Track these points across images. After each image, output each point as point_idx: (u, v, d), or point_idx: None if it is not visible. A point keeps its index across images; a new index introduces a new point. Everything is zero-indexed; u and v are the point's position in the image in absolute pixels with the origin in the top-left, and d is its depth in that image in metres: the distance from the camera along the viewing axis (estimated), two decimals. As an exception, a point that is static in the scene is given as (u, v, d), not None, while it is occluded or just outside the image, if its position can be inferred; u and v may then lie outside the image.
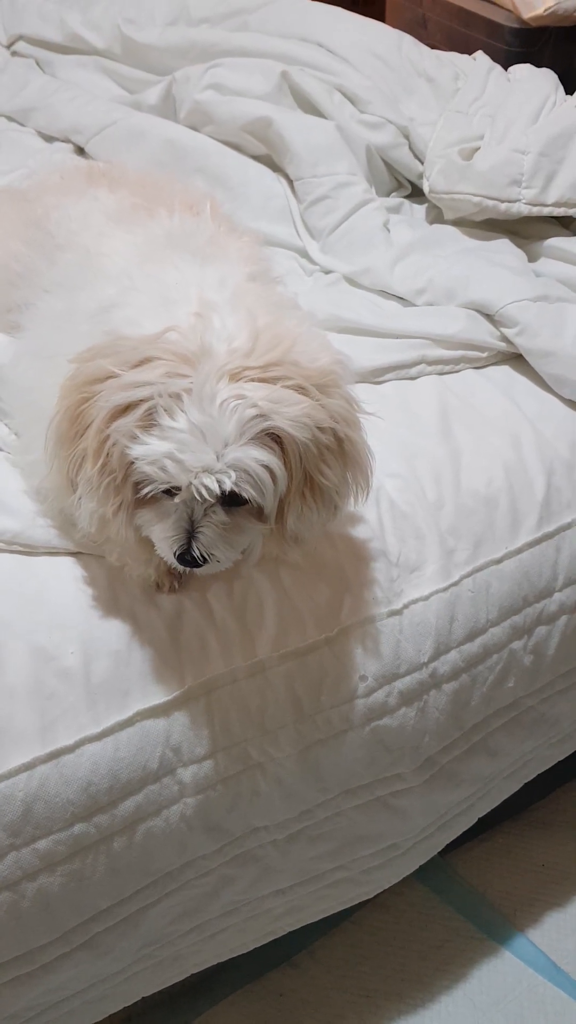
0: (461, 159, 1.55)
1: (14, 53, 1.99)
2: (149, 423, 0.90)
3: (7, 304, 1.22)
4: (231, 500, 0.95)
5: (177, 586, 1.09)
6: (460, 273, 1.45)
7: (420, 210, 1.70)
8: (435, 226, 1.60)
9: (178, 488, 0.92)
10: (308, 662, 1.13)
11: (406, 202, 1.69)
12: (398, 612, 1.19)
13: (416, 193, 1.74)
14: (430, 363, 1.38)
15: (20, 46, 1.98)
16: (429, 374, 1.39)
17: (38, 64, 1.93)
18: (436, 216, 1.67)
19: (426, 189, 1.62)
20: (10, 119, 1.85)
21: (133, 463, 0.92)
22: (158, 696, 1.06)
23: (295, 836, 1.21)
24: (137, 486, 0.94)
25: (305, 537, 1.03)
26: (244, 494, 0.93)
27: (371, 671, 1.16)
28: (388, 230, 1.56)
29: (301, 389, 0.94)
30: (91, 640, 1.04)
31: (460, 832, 1.46)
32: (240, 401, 0.90)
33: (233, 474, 0.90)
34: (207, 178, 1.61)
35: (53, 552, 1.09)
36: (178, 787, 1.07)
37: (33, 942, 1.04)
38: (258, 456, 0.91)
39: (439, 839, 1.42)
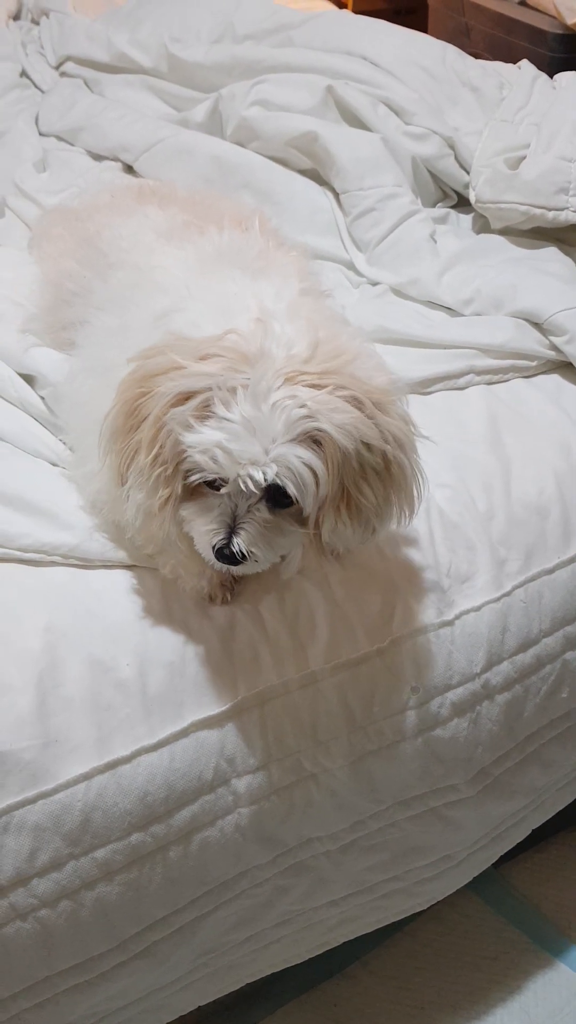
0: (508, 168, 1.55)
1: (62, 74, 2.03)
2: (205, 414, 0.92)
3: (61, 322, 1.24)
4: (274, 500, 0.96)
5: (230, 598, 1.10)
6: (508, 282, 1.45)
7: (466, 219, 1.71)
8: (482, 236, 1.60)
9: (224, 481, 0.93)
10: (360, 673, 1.13)
11: (452, 212, 1.69)
12: (450, 623, 1.19)
13: (462, 203, 1.74)
14: (479, 373, 1.38)
15: (68, 67, 2.02)
16: (477, 384, 1.39)
17: (86, 84, 1.97)
18: (483, 225, 1.67)
19: (472, 199, 1.62)
20: (60, 139, 1.89)
21: (184, 455, 0.93)
22: (212, 707, 1.06)
23: (348, 847, 1.21)
24: (186, 477, 0.95)
25: (342, 552, 1.03)
26: (287, 488, 0.93)
27: (423, 682, 1.16)
28: (435, 241, 1.56)
29: (356, 401, 0.95)
30: (146, 652, 1.06)
31: (514, 844, 1.44)
32: (291, 400, 0.92)
33: (276, 468, 0.91)
34: (253, 193, 1.62)
35: (108, 565, 1.11)
36: (232, 797, 1.08)
37: (92, 950, 1.05)
38: (301, 455, 0.92)
39: (493, 851, 1.41)
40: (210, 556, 0.97)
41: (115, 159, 1.78)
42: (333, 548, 1.02)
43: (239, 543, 0.95)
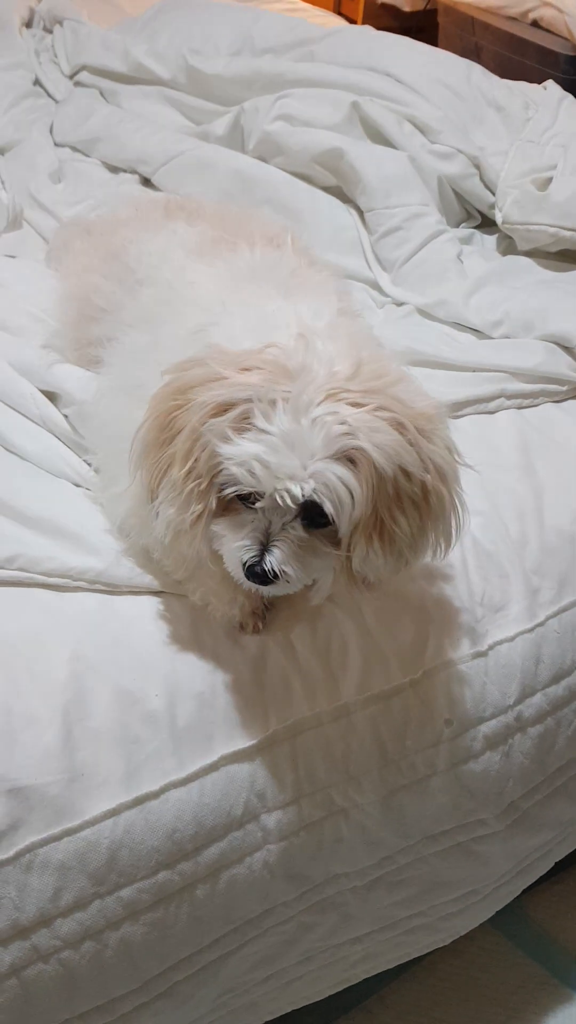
0: (536, 190, 1.52)
1: (77, 83, 2.00)
2: (243, 426, 0.89)
3: (87, 338, 1.21)
4: (309, 519, 0.92)
5: (261, 627, 1.07)
6: (538, 305, 1.43)
7: (490, 240, 1.68)
8: (509, 257, 1.58)
9: (260, 495, 0.90)
10: (393, 705, 1.10)
11: (477, 232, 1.67)
12: (483, 654, 1.16)
13: (485, 223, 1.72)
14: (509, 397, 1.36)
15: (83, 76, 1.99)
16: (508, 408, 1.36)
17: (102, 94, 1.94)
18: (508, 247, 1.65)
19: (499, 220, 1.60)
20: (75, 149, 1.86)
21: (219, 468, 0.90)
22: (243, 740, 1.03)
23: (375, 883, 1.17)
24: (220, 491, 0.92)
25: (373, 581, 1.00)
26: (324, 506, 0.90)
27: (456, 715, 1.13)
28: (461, 261, 1.54)
29: (399, 425, 0.92)
30: (175, 682, 1.02)
31: (537, 876, 1.42)
32: (332, 417, 0.89)
33: (314, 484, 0.88)
34: (276, 209, 1.60)
35: (136, 591, 1.08)
36: (262, 833, 1.05)
37: (114, 991, 1.01)
38: (340, 472, 0.89)
39: (517, 884, 1.38)
40: (240, 575, 0.94)
41: (132, 171, 1.76)
42: (364, 577, 0.99)
43: (272, 560, 0.92)
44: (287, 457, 0.88)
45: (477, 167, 1.66)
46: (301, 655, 1.07)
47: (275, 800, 1.04)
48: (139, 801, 0.98)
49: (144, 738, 0.99)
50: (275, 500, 0.89)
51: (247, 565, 0.92)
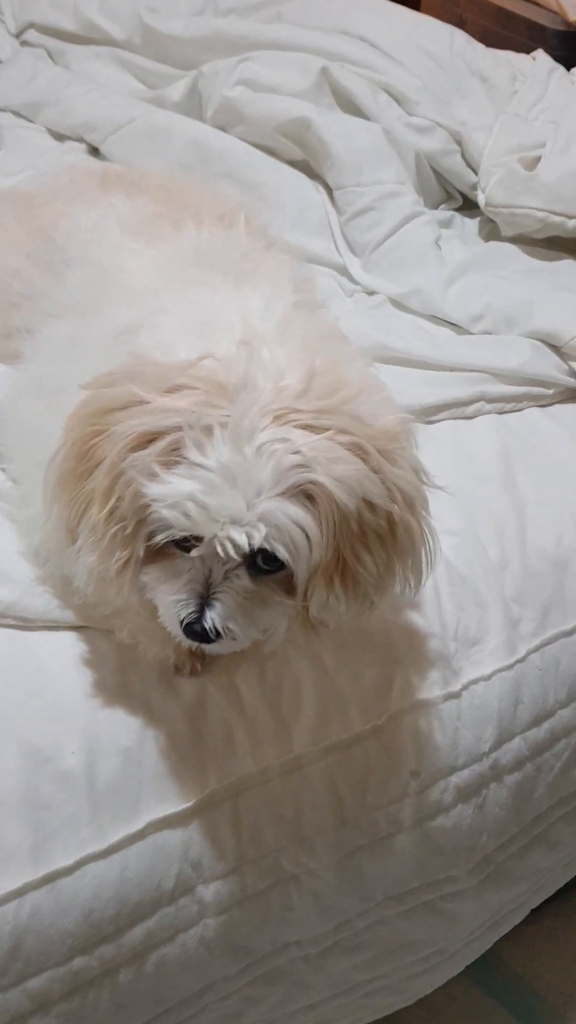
0: (523, 169, 1.38)
1: (23, 43, 1.82)
2: (173, 459, 0.76)
3: (6, 329, 1.05)
4: (257, 564, 0.80)
5: (200, 668, 0.93)
6: (523, 298, 1.29)
7: (472, 224, 1.54)
8: (492, 243, 1.44)
9: (198, 540, 0.77)
10: (352, 756, 0.97)
11: (457, 215, 1.53)
12: (456, 695, 1.03)
13: (467, 205, 1.57)
14: (490, 400, 1.22)
15: (30, 35, 1.81)
16: (488, 412, 1.23)
17: (49, 55, 1.77)
18: (490, 232, 1.50)
19: (482, 202, 1.45)
20: (17, 114, 1.69)
21: (148, 509, 0.77)
22: (176, 803, 0.89)
23: (330, 949, 1.05)
24: (148, 537, 0.79)
25: (331, 627, 0.88)
26: (278, 554, 0.77)
27: (425, 765, 1.00)
28: (439, 247, 1.39)
29: (359, 450, 0.79)
30: (96, 735, 0.88)
31: (510, 928, 1.29)
32: (281, 445, 0.76)
33: (264, 528, 0.75)
34: (236, 184, 1.44)
35: (53, 626, 0.93)
36: (197, 907, 0.91)
37: None
38: (293, 513, 0.76)
39: (488, 938, 1.26)
40: (178, 631, 0.81)
41: (79, 139, 1.59)
42: (322, 622, 0.85)
43: (213, 618, 0.79)
44: (228, 496, 0.75)
45: (458, 143, 1.52)
46: (247, 701, 0.94)
47: (213, 870, 0.91)
48: (49, 879, 0.83)
49: (56, 803, 0.85)
50: (215, 547, 0.76)
51: (184, 623, 0.79)
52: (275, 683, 0.95)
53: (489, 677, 1.04)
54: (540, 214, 1.36)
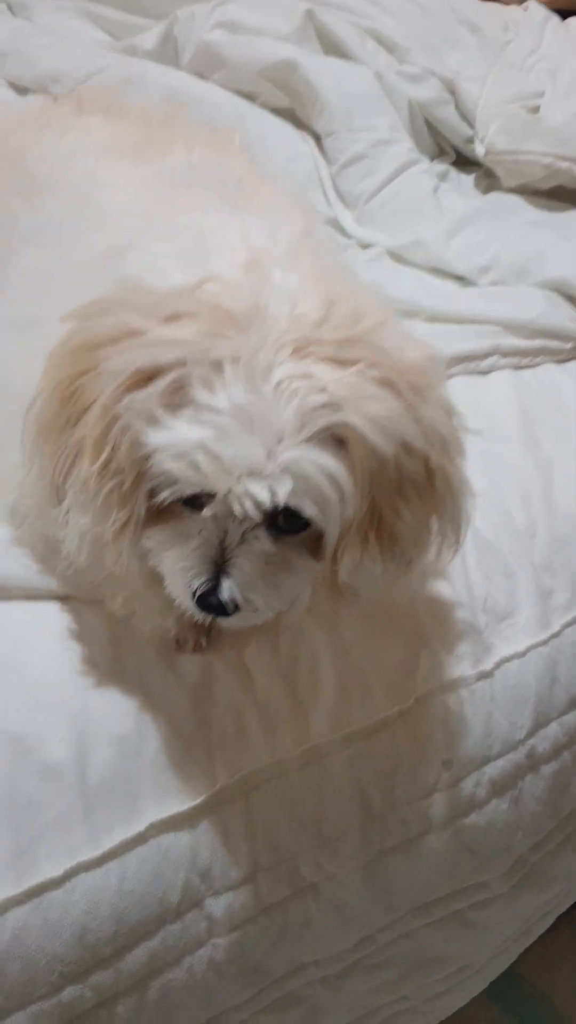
0: (526, 114, 1.28)
1: (-17, -3, 1.70)
2: (176, 401, 0.65)
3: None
4: (278, 524, 0.69)
5: (205, 643, 0.81)
6: (533, 247, 1.19)
7: (468, 180, 1.44)
8: (493, 195, 1.34)
9: (210, 496, 0.66)
10: (378, 744, 0.85)
11: (452, 170, 1.42)
12: (488, 674, 0.91)
13: (460, 163, 1.47)
14: (504, 354, 1.11)
15: (-13, -10, 1.69)
16: (503, 368, 1.12)
17: (9, 8, 1.64)
18: (488, 187, 1.41)
19: (480, 153, 1.35)
20: (-26, 68, 1.55)
21: (149, 461, 0.66)
22: (180, 801, 0.77)
23: (350, 969, 0.93)
24: (150, 494, 0.68)
25: (363, 593, 0.76)
26: (305, 511, 0.66)
27: (457, 754, 0.89)
28: (438, 198, 1.28)
29: (389, 385, 0.68)
30: (87, 723, 0.76)
31: (535, 938, 1.17)
32: (304, 382, 0.65)
33: (289, 481, 0.64)
34: (216, 134, 1.32)
35: (34, 595, 0.80)
36: (206, 924, 0.78)
37: None
38: (322, 461, 0.65)
39: (514, 951, 1.15)
40: (189, 604, 0.69)
41: (44, 92, 1.46)
42: (352, 589, 0.74)
43: (230, 587, 0.68)
44: (245, 443, 0.64)
45: (451, 93, 1.41)
46: (258, 681, 0.82)
47: (224, 879, 0.78)
48: (34, 892, 0.71)
49: (42, 801, 0.73)
50: (231, 506, 0.65)
51: (198, 595, 0.68)
52: (289, 661, 0.83)
53: (524, 653, 0.93)
54: (546, 160, 1.26)
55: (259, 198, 0.86)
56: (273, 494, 0.64)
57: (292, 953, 0.85)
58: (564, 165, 1.26)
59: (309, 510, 0.66)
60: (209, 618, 0.71)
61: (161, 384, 0.64)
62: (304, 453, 0.64)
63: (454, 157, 1.46)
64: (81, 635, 0.79)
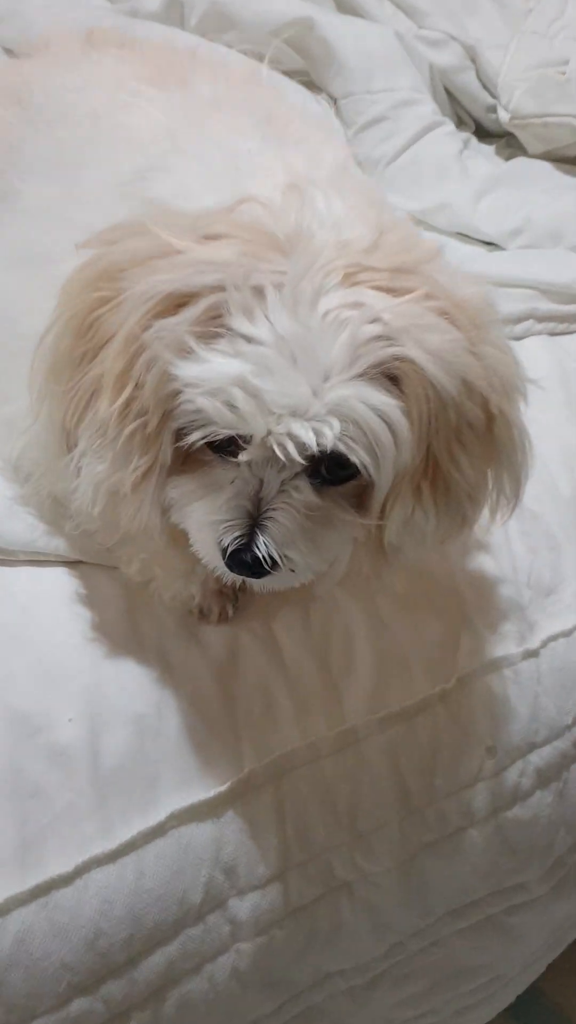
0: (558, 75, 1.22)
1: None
2: (211, 331, 0.57)
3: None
4: (323, 472, 0.61)
5: (231, 613, 0.73)
6: (568, 209, 1.12)
7: (488, 150, 1.37)
8: (519, 159, 1.27)
9: (246, 441, 0.59)
10: (417, 728, 0.77)
11: (473, 139, 1.35)
12: (534, 653, 0.84)
13: (480, 135, 1.40)
14: (540, 319, 1.04)
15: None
16: (538, 333, 1.05)
17: (5, -29, 1.57)
18: (509, 157, 1.33)
19: (504, 118, 1.28)
20: (-32, 33, 1.48)
21: (177, 399, 0.58)
22: (204, 788, 0.69)
23: (378, 979, 0.85)
24: (176, 437, 0.60)
25: (410, 555, 0.68)
26: (354, 458, 0.59)
27: (501, 740, 0.81)
28: (463, 162, 1.22)
29: (449, 317, 0.61)
30: (100, 699, 0.68)
31: (564, 947, 1.09)
32: (355, 311, 0.58)
33: (337, 424, 0.57)
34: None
35: (40, 560, 0.72)
36: (230, 928, 0.70)
37: None
38: (376, 401, 0.58)
39: (543, 962, 1.07)
40: (218, 562, 0.61)
41: (43, 53, 1.39)
42: (398, 547, 0.66)
43: (267, 543, 0.60)
44: (288, 379, 0.57)
45: (472, 60, 1.35)
46: (288, 655, 0.74)
47: (251, 877, 0.70)
48: (41, 891, 0.62)
49: (50, 788, 0.65)
50: (270, 450, 0.58)
51: (230, 551, 0.60)
52: (322, 635, 0.75)
53: (571, 632, 0.86)
54: (577, 122, 1.19)
55: (294, 127, 0.79)
56: (319, 437, 0.57)
57: (319, 961, 0.78)
58: (596, 128, 1.19)
59: (359, 457, 0.58)
60: (240, 580, 0.63)
61: (194, 311, 0.57)
62: (355, 391, 0.57)
63: (473, 128, 1.40)
64: (93, 603, 0.71)
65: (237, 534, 0.60)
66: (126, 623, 0.71)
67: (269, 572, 0.60)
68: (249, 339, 0.57)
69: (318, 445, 0.57)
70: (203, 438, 0.59)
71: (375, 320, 0.58)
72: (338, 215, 0.62)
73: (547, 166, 1.24)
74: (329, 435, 0.57)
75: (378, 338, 0.58)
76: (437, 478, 0.62)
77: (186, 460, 0.62)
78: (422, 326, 0.59)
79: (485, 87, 1.37)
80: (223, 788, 0.68)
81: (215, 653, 0.71)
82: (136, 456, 0.60)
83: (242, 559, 0.60)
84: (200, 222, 0.60)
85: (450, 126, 1.25)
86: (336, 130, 0.91)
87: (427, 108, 1.24)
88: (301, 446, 0.57)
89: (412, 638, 0.78)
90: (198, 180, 0.66)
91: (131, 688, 0.68)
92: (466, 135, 1.34)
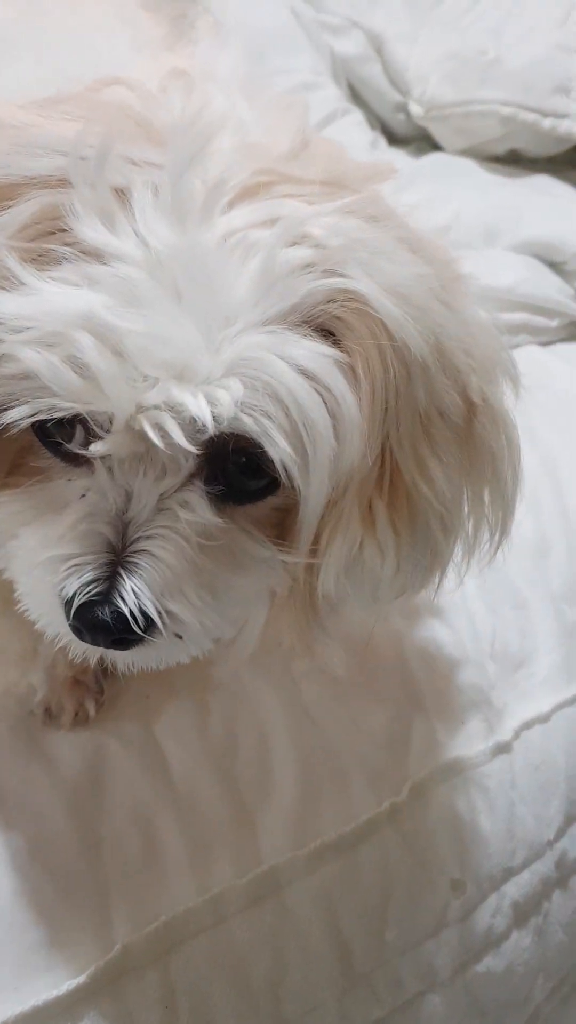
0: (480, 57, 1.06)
1: None
2: (46, 248, 0.37)
3: None
4: (227, 475, 0.41)
5: (92, 712, 0.51)
6: (504, 203, 0.96)
7: (398, 156, 1.20)
8: (439, 155, 1.10)
9: (101, 424, 0.39)
10: (360, 863, 0.58)
11: (382, 140, 1.18)
12: (506, 748, 0.64)
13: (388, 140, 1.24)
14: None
15: None
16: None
17: None
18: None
19: (418, 112, 1.12)
20: None
21: None
22: (52, 980, 0.47)
23: None
24: None
25: (354, 616, 0.51)
26: (271, 447, 0.38)
27: (470, 868, 0.60)
28: (376, 156, 1.05)
29: (412, 247, 0.42)
30: None
31: None
32: (270, 231, 0.39)
33: (239, 387, 0.37)
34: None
35: None
36: None
37: None
38: (304, 355, 0.38)
39: None
40: (59, 624, 0.40)
41: None
42: (336, 609, 0.46)
43: (136, 592, 0.38)
44: (169, 320, 0.37)
45: (378, 52, 1.19)
46: (178, 772, 0.54)
47: None
48: None
49: None
50: (139, 438, 0.38)
51: (75, 606, 0.39)
52: (226, 738, 0.54)
53: (548, 717, 0.66)
54: (506, 110, 1.03)
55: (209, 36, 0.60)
56: (214, 407, 0.36)
57: None
58: (529, 117, 1.03)
59: (276, 446, 0.37)
60: (98, 656, 0.41)
61: (20, 215, 0.37)
62: (270, 340, 0.37)
63: (379, 131, 1.24)
64: None
65: (88, 578, 0.38)
66: None
67: (141, 638, 0.39)
68: (105, 259, 0.36)
69: (214, 422, 0.36)
70: (30, 418, 0.37)
71: (302, 239, 0.38)
72: (244, 115, 0.43)
73: (470, 163, 1.08)
74: (227, 401, 0.36)
75: (307, 267, 0.38)
76: (397, 492, 0.41)
77: (12, 468, 0.40)
78: (374, 249, 0.39)
79: (393, 84, 1.21)
80: (81, 979, 0.46)
81: (69, 773, 0.49)
82: None
83: (97, 618, 0.38)
84: (39, 105, 0.41)
85: (359, 115, 1.09)
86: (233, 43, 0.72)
87: (331, 92, 1.07)
88: (190, 426, 0.36)
89: (349, 737, 0.57)
90: (35, 72, 0.47)
91: None
92: (373, 135, 1.17)
